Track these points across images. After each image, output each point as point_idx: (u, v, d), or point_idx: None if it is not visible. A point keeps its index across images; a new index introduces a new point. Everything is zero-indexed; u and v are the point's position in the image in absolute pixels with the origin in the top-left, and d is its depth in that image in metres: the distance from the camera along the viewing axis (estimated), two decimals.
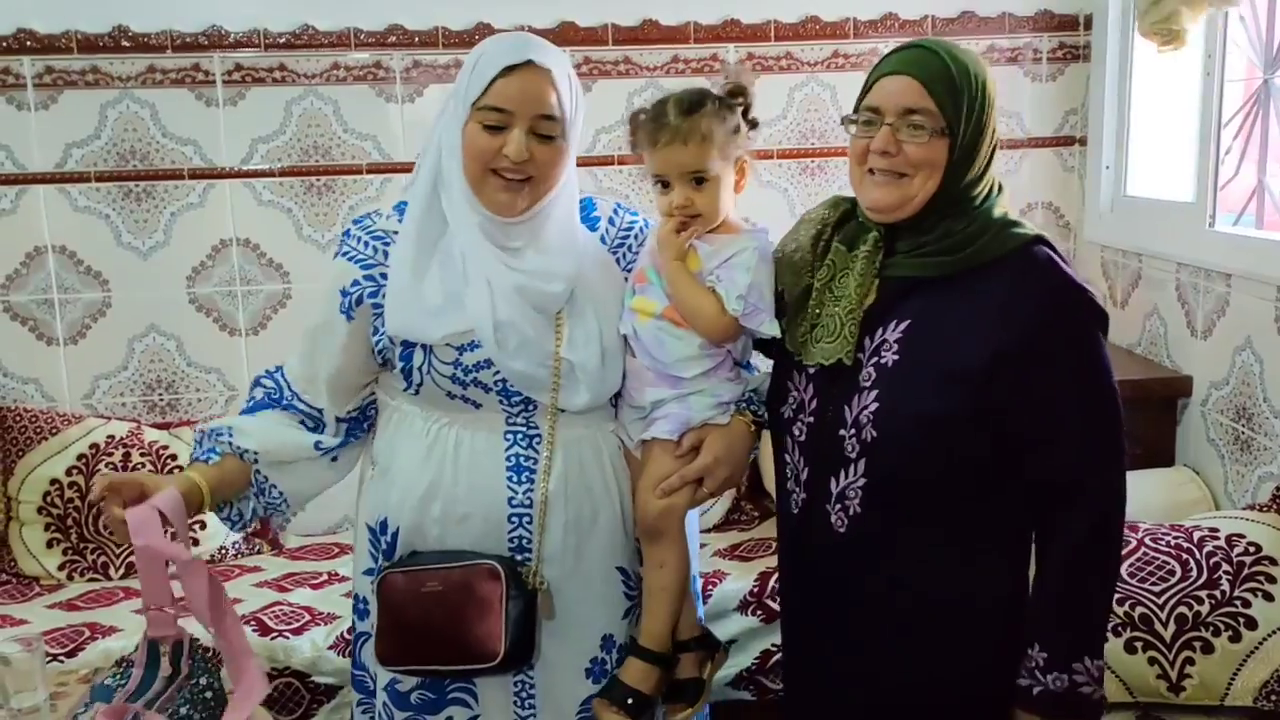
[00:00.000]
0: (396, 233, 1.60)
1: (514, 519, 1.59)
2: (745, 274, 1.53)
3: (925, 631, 1.47)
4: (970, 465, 1.43)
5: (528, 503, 1.59)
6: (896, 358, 1.43)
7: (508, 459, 1.59)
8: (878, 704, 1.51)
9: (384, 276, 1.59)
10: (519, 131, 1.51)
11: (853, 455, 1.44)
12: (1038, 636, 1.42)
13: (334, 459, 1.70)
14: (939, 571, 1.46)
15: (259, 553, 2.90)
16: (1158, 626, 2.03)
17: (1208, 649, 2.01)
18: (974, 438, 1.41)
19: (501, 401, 1.59)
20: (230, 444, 1.60)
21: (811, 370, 1.50)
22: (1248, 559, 2.07)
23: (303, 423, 1.67)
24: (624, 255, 1.68)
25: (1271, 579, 2.04)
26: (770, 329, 1.54)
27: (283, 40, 2.98)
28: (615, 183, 3.07)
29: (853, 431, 1.45)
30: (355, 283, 1.59)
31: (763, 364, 1.70)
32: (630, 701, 1.57)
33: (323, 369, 1.64)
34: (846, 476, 1.46)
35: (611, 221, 1.70)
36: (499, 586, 1.53)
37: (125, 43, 2.92)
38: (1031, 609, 1.45)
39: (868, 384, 1.44)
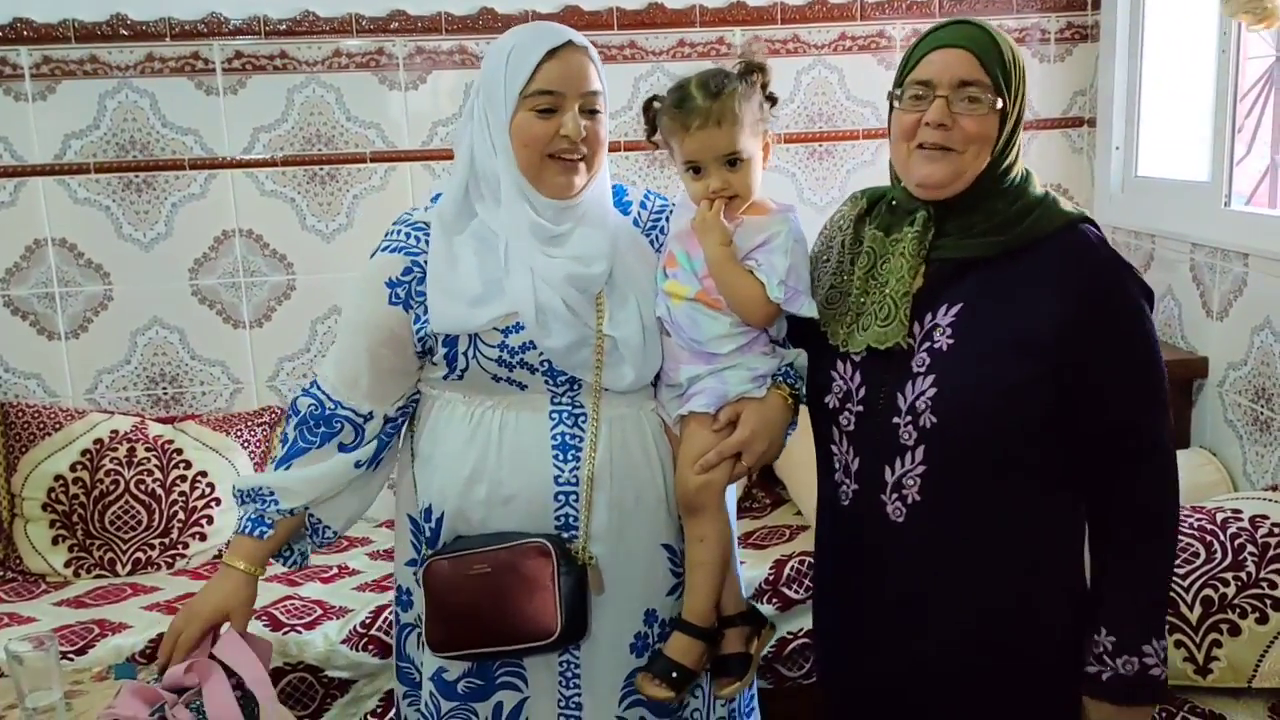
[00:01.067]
0: (420, 227, 1.63)
1: (560, 498, 1.60)
2: (784, 257, 1.54)
3: (994, 605, 1.46)
4: (1030, 438, 1.42)
5: (574, 481, 1.60)
6: (951, 341, 1.42)
7: (553, 438, 1.60)
8: (943, 677, 1.49)
9: (427, 265, 1.60)
10: (573, 110, 1.54)
11: (910, 443, 1.43)
12: (1105, 620, 1.43)
13: (375, 467, 1.71)
14: (1003, 549, 1.45)
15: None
16: (1183, 609, 2.01)
17: (1235, 631, 1.99)
18: (1036, 408, 1.40)
19: (547, 382, 1.60)
20: (278, 510, 1.65)
21: (857, 358, 1.48)
22: (1273, 540, 2.05)
23: (342, 438, 1.66)
24: (656, 237, 1.70)
25: None
26: (809, 310, 1.55)
27: (283, 27, 2.94)
28: (623, 169, 3.03)
29: (908, 419, 1.43)
30: (407, 270, 1.60)
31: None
32: (675, 675, 1.58)
33: (368, 367, 1.63)
34: (903, 465, 1.44)
35: (643, 205, 1.73)
36: (549, 563, 1.55)
37: (124, 31, 2.87)
38: (1096, 592, 1.44)
39: (922, 369, 1.42)
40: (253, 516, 1.65)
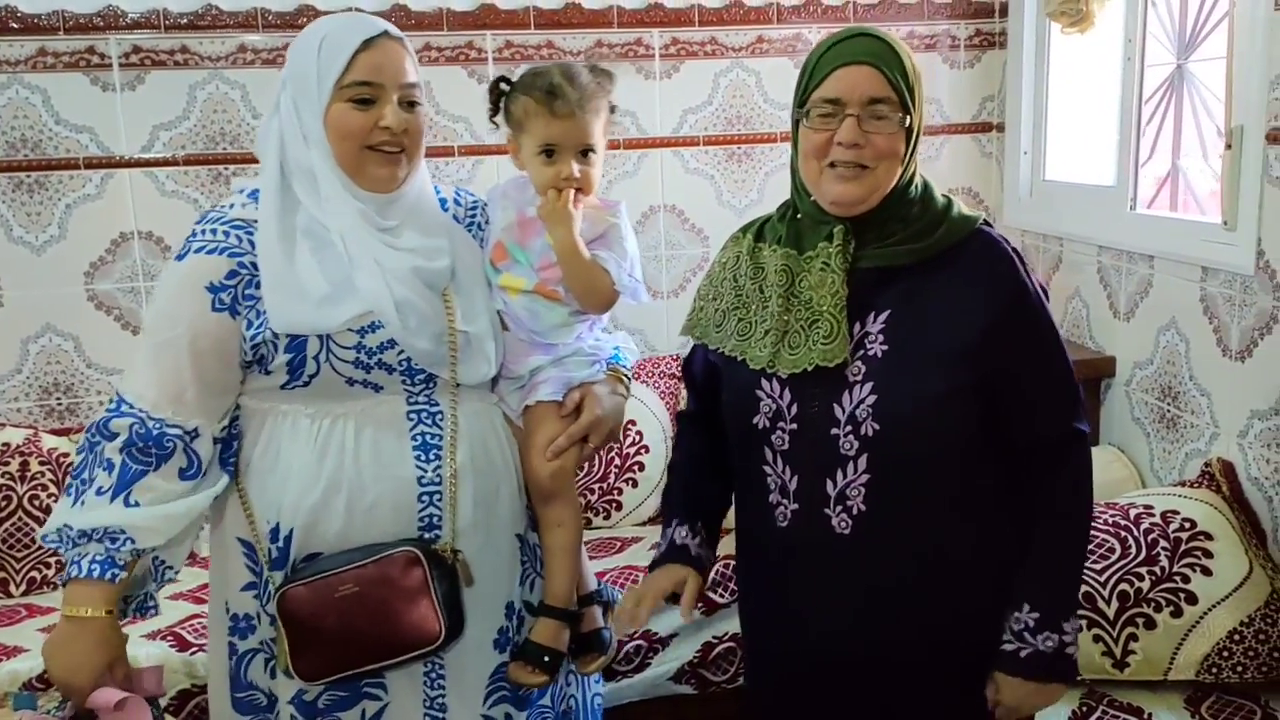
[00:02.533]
0: (255, 221, 1.53)
1: (424, 498, 1.57)
2: (624, 248, 1.63)
3: (935, 598, 1.47)
4: (967, 438, 1.44)
5: (437, 480, 1.58)
6: (885, 348, 1.42)
7: (413, 438, 1.58)
8: (896, 675, 1.50)
9: (255, 266, 1.51)
10: (392, 103, 1.52)
11: (851, 453, 1.42)
12: (1028, 597, 1.45)
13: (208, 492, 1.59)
14: (948, 550, 1.45)
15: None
16: (1100, 604, 2.05)
17: (1150, 625, 2.03)
18: (971, 410, 1.42)
19: (404, 381, 1.57)
20: (133, 551, 1.50)
21: (784, 375, 1.46)
22: (1184, 535, 2.11)
23: (179, 462, 1.53)
24: (475, 232, 1.70)
25: (1208, 554, 2.08)
26: (646, 298, 1.69)
27: (184, 21, 2.82)
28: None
29: (848, 429, 1.42)
30: (232, 273, 1.51)
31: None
32: (546, 659, 1.62)
33: (192, 380, 1.51)
34: (845, 476, 1.43)
35: (457, 201, 1.73)
36: (421, 570, 1.52)
37: (14, 24, 2.73)
38: (1021, 570, 1.47)
39: (859, 378, 1.42)
40: (99, 559, 1.48)
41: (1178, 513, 2.15)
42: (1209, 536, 2.11)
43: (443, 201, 1.69)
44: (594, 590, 1.75)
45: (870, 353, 1.42)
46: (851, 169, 1.40)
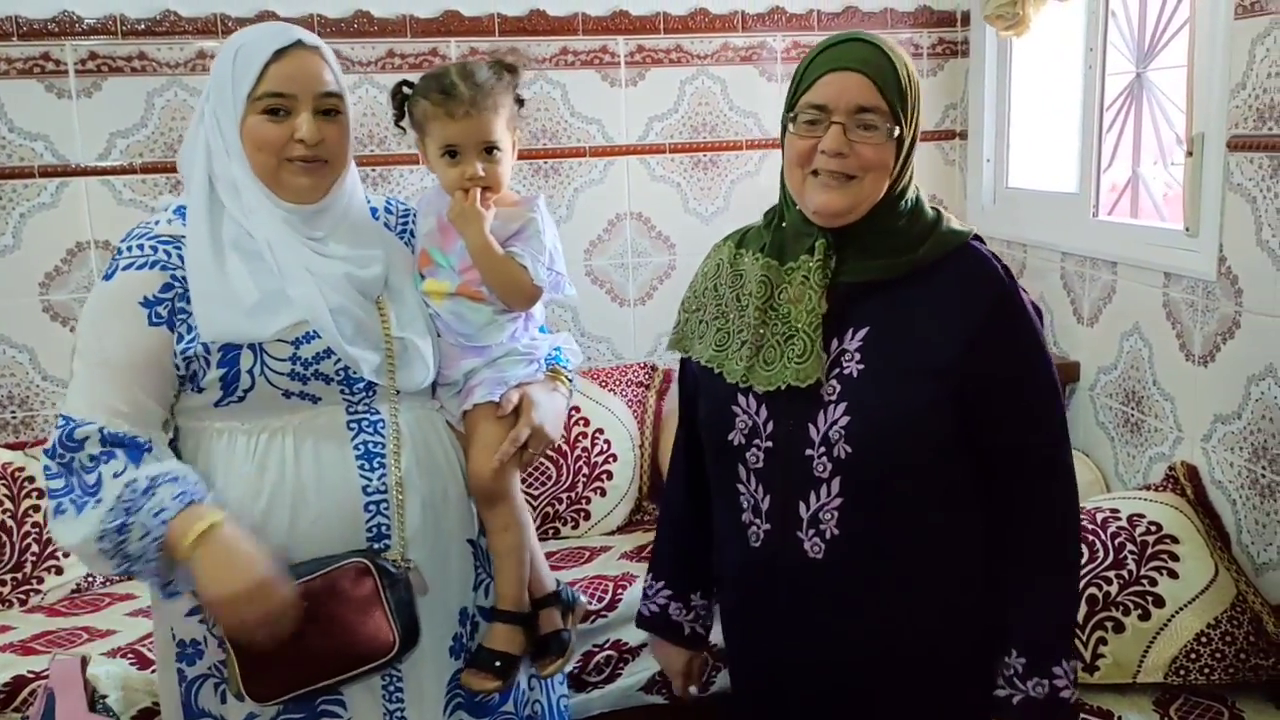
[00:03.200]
0: (183, 237, 1.51)
1: (370, 507, 1.55)
2: (541, 242, 1.62)
3: (915, 632, 1.42)
4: (942, 458, 1.39)
5: (383, 488, 1.55)
6: (861, 366, 1.37)
7: (355, 448, 1.55)
8: (863, 700, 1.46)
9: (185, 280, 1.49)
10: (307, 113, 1.50)
11: (824, 475, 1.37)
12: (1015, 643, 1.40)
13: None
14: (921, 576, 1.41)
15: (130, 578, 2.68)
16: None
17: (1119, 628, 2.04)
18: (943, 422, 1.37)
19: (343, 391, 1.54)
20: (197, 482, 1.48)
21: (761, 391, 1.41)
22: (1150, 538, 2.12)
23: (156, 454, 1.50)
24: (408, 240, 1.69)
25: (1175, 557, 2.10)
26: (571, 291, 1.67)
27: (142, 27, 2.78)
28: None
29: (822, 450, 1.37)
30: (166, 286, 1.48)
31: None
32: (499, 665, 1.61)
33: (134, 399, 1.48)
34: (818, 499, 1.38)
35: (389, 210, 1.71)
36: (372, 581, 1.50)
37: None
38: (1008, 614, 1.41)
39: (833, 397, 1.37)
40: (175, 495, 1.43)
41: (1144, 516, 2.17)
42: (1175, 540, 2.12)
43: (374, 210, 1.68)
44: (553, 591, 1.73)
45: (846, 371, 1.38)
46: (836, 178, 1.36)
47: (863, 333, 1.38)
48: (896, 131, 1.35)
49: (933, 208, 1.45)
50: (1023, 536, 1.42)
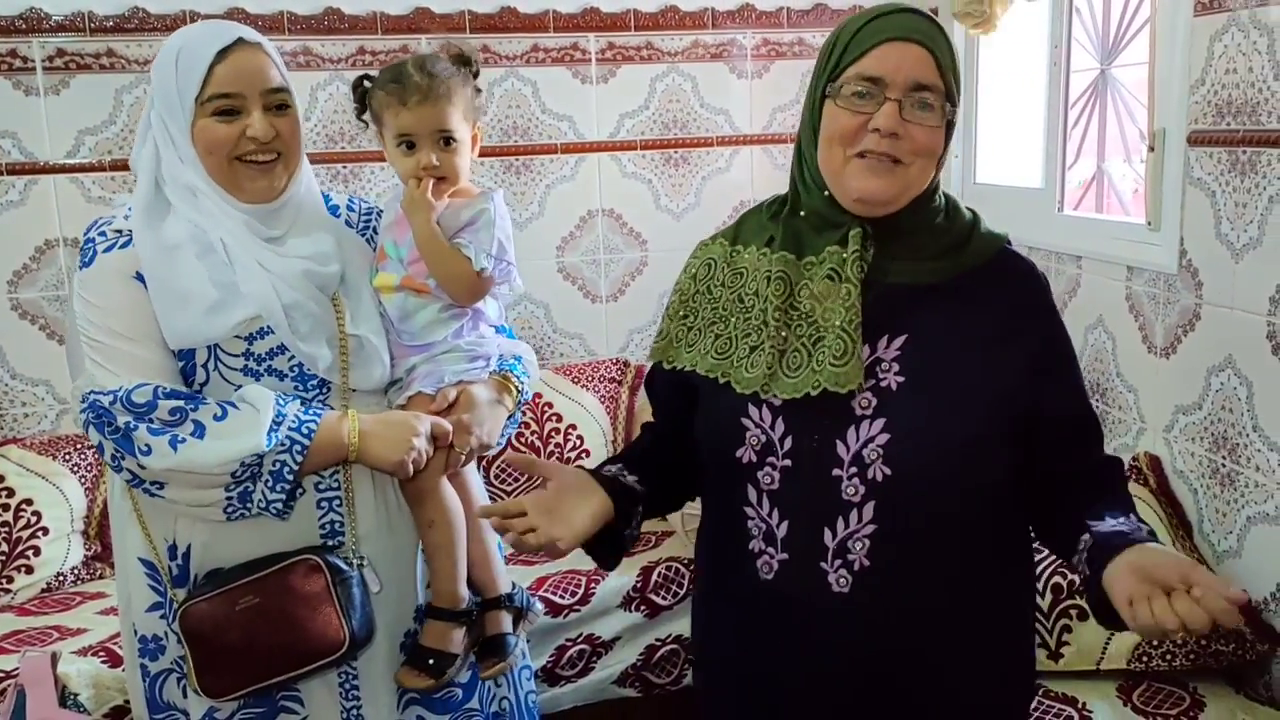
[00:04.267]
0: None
1: (323, 505, 1.56)
2: (490, 232, 1.61)
3: (948, 669, 1.28)
4: (997, 493, 1.26)
5: (335, 485, 1.56)
6: (901, 379, 1.22)
7: None
8: None
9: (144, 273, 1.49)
10: (257, 111, 1.49)
11: (855, 499, 1.22)
12: (1133, 511, 1.23)
13: None
14: (965, 609, 1.27)
15: (101, 577, 2.68)
16: (1035, 597, 2.09)
17: (1083, 616, 2.07)
18: (1003, 458, 1.24)
19: (297, 387, 1.55)
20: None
21: (778, 402, 1.25)
22: None
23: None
24: (370, 238, 1.70)
25: None
26: (518, 283, 1.67)
27: (110, 24, 2.77)
28: (476, 174, 2.98)
29: (853, 470, 1.22)
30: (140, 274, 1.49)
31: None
32: (431, 662, 1.59)
33: (166, 356, 1.49)
34: (847, 526, 1.22)
35: (350, 207, 1.72)
36: (323, 577, 1.51)
37: None
38: (1108, 504, 1.24)
39: (868, 412, 1.22)
40: (304, 412, 1.49)
41: None
42: None
43: (334, 208, 1.68)
44: (505, 594, 1.72)
45: (883, 383, 1.22)
46: (884, 161, 1.21)
47: (900, 341, 1.24)
48: (952, 114, 1.23)
49: (969, 209, 1.33)
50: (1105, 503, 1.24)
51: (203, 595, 1.50)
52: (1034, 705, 2.02)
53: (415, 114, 1.57)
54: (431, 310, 1.62)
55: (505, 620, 1.70)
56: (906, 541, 1.22)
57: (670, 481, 1.43)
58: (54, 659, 1.67)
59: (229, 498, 1.46)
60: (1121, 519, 1.20)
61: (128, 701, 2.18)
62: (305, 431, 1.47)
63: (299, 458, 1.46)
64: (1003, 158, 3.12)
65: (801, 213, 1.30)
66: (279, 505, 1.47)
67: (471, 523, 1.66)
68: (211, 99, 1.47)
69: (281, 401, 1.48)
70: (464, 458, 1.62)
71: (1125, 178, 2.76)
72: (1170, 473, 2.32)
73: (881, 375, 1.23)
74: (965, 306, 1.25)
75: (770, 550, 1.28)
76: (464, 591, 1.64)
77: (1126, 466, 2.36)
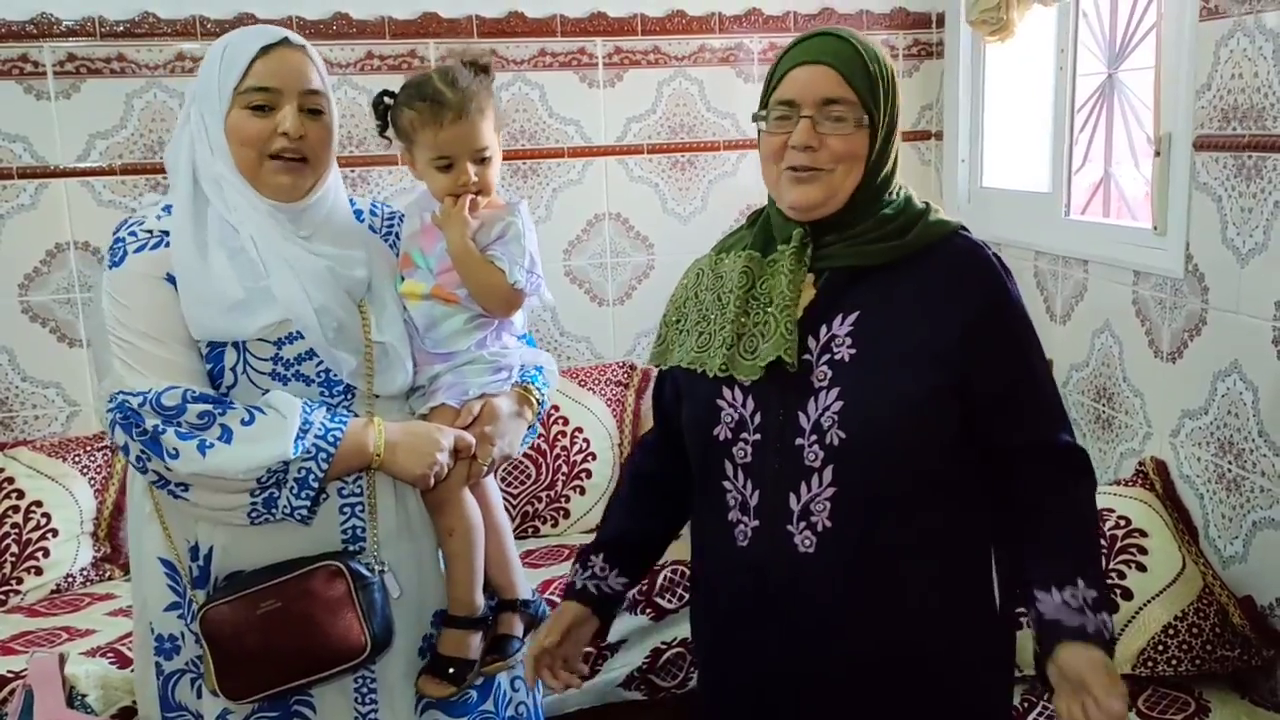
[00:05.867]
0: (167, 232, 1.52)
1: (345, 510, 1.56)
2: (522, 245, 1.62)
3: (912, 634, 1.37)
4: (943, 451, 1.35)
5: (358, 491, 1.57)
6: (854, 351, 1.34)
7: None
8: (848, 693, 1.39)
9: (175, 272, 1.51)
10: (290, 108, 1.51)
11: (816, 464, 1.33)
12: (1081, 573, 1.31)
13: None
14: (918, 574, 1.36)
15: (110, 579, 2.70)
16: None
17: None
18: (947, 413, 1.34)
19: (323, 392, 1.56)
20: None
21: (747, 382, 1.38)
22: (1119, 532, 2.16)
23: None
24: (393, 243, 1.71)
25: (1143, 550, 2.13)
26: (548, 296, 1.68)
27: (120, 29, 2.78)
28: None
29: (813, 438, 1.33)
30: (170, 275, 1.50)
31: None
32: (451, 671, 1.61)
33: (195, 359, 1.50)
34: (809, 490, 1.34)
35: (374, 212, 1.73)
36: (344, 583, 1.51)
37: None
38: (1060, 547, 1.35)
39: (824, 383, 1.34)
40: (330, 418, 1.50)
41: (1113, 511, 2.20)
42: (1143, 534, 2.16)
43: (359, 213, 1.69)
44: (522, 599, 1.73)
45: (837, 356, 1.35)
46: (807, 172, 1.35)
47: (853, 317, 1.36)
48: (867, 120, 1.35)
49: (923, 201, 1.43)
50: (1044, 512, 1.36)
51: (223, 598, 1.51)
52: (1039, 712, 2.02)
53: (451, 133, 1.57)
54: (459, 320, 1.62)
55: (516, 624, 1.71)
56: (861, 502, 1.33)
57: (665, 514, 1.59)
58: (61, 660, 1.69)
59: (254, 503, 1.46)
60: (1063, 594, 1.31)
61: (135, 702, 2.20)
62: (331, 439, 1.48)
63: (325, 465, 1.47)
64: (1011, 162, 3.13)
65: (770, 219, 1.45)
66: (303, 511, 1.48)
67: (491, 528, 1.67)
68: (248, 91, 1.49)
69: (308, 408, 1.49)
70: (485, 469, 1.64)
71: (1135, 181, 2.76)
72: (1177, 477, 2.31)
73: (836, 349, 1.35)
74: (909, 281, 1.36)
75: (745, 519, 1.39)
76: (480, 600, 1.65)
77: (1133, 471, 2.37)
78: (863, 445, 1.31)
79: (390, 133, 1.65)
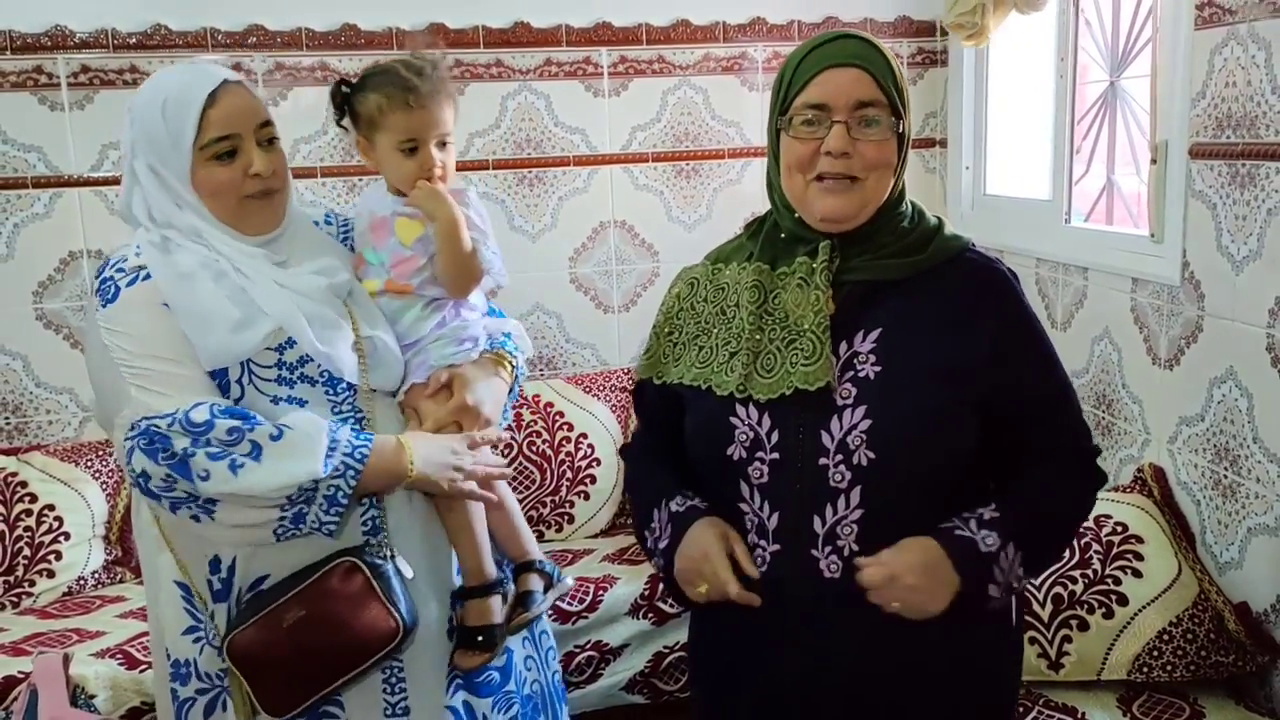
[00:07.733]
0: (144, 267, 1.54)
1: (364, 501, 1.58)
2: (481, 229, 1.67)
3: (940, 648, 1.32)
4: (966, 467, 1.33)
5: None
6: (879, 369, 1.30)
7: None
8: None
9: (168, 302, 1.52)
10: (252, 147, 1.52)
11: (842, 485, 1.28)
12: (997, 501, 1.32)
13: None
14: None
15: (121, 581, 2.74)
16: (1036, 607, 2.10)
17: (1083, 626, 2.09)
18: (970, 426, 1.31)
19: (328, 392, 1.58)
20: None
21: (762, 400, 1.32)
22: (1116, 539, 2.17)
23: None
24: (350, 247, 1.73)
25: (1139, 556, 2.14)
26: (503, 273, 1.72)
27: (133, 41, 2.83)
28: (490, 187, 3.03)
29: (839, 458, 1.28)
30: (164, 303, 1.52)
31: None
32: (481, 639, 1.64)
33: (208, 380, 1.52)
34: (835, 512, 1.29)
35: (328, 221, 1.76)
36: (360, 574, 1.53)
37: None
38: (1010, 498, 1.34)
39: (849, 401, 1.29)
40: (355, 440, 1.51)
41: (1110, 517, 2.21)
42: (1140, 540, 2.17)
43: (315, 223, 1.73)
44: (533, 560, 1.77)
45: (861, 374, 1.30)
46: (840, 182, 1.30)
47: (875, 334, 1.32)
48: (900, 126, 1.31)
49: (935, 216, 1.42)
50: (1055, 488, 1.36)
51: (244, 623, 1.51)
52: (1034, 716, 2.04)
53: (420, 116, 1.62)
54: (416, 308, 1.67)
55: (535, 580, 1.75)
56: (894, 521, 1.28)
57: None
58: (66, 659, 1.72)
59: (282, 518, 1.48)
60: (981, 534, 1.29)
61: (145, 703, 2.24)
62: (359, 456, 1.49)
63: (353, 482, 1.48)
64: (1013, 170, 3.14)
65: (781, 234, 1.40)
66: (332, 526, 1.50)
67: (496, 504, 1.70)
68: (210, 143, 1.49)
69: (334, 427, 1.51)
70: (505, 466, 1.69)
71: (1138, 187, 2.76)
72: (1174, 484, 2.32)
73: (859, 367, 1.31)
74: (930, 298, 1.34)
75: (763, 543, 1.34)
76: (490, 567, 1.68)
77: (1132, 478, 2.38)
78: (893, 463, 1.27)
79: (346, 121, 1.68)
